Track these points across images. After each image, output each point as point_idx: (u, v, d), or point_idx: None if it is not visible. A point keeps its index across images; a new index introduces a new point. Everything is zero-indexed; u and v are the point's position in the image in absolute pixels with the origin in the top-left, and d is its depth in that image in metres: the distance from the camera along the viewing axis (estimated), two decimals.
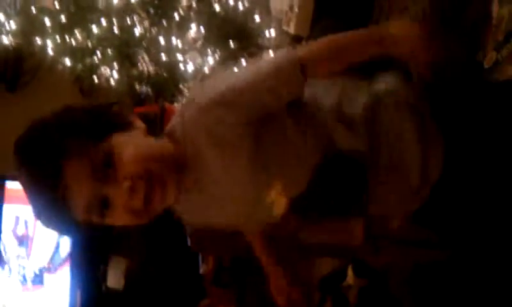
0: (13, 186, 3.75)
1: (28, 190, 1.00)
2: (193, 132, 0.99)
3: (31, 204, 1.00)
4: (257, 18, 2.89)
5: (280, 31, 3.16)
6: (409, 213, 1.13)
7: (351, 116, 1.05)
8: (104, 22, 2.67)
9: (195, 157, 1.00)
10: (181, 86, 3.00)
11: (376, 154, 1.04)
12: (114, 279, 3.39)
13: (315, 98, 1.06)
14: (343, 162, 1.03)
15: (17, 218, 3.83)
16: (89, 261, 3.64)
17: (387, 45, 1.04)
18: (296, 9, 2.93)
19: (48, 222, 1.01)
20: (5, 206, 3.72)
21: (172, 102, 2.80)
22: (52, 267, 3.85)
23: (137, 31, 2.72)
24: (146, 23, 2.69)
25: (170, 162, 0.98)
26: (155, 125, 2.45)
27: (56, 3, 2.62)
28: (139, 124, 1.01)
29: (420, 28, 1.10)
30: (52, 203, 0.95)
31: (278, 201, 1.04)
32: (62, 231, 1.08)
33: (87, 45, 2.75)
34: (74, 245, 3.71)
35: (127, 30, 2.72)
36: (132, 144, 0.96)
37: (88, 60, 2.82)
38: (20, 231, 3.85)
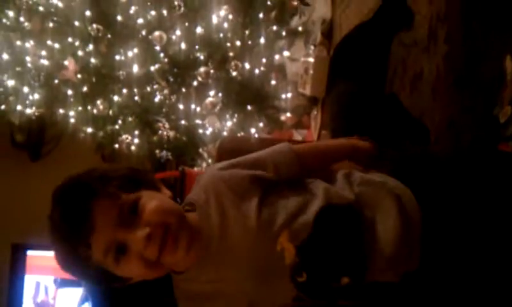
0: (34, 255, 3.78)
1: (55, 231, 1.09)
2: (210, 184, 1.15)
3: (55, 248, 1.09)
4: (273, 81, 2.95)
5: (296, 94, 3.21)
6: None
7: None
8: (124, 90, 2.73)
9: (209, 216, 1.12)
10: (200, 149, 3.04)
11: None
12: None
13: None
14: (343, 211, 1.16)
15: (38, 284, 3.83)
16: None
17: (354, 151, 1.35)
18: (311, 72, 2.99)
19: (68, 265, 1.09)
20: (26, 276, 3.74)
21: (192, 166, 2.83)
22: None
23: (157, 98, 2.78)
24: (166, 90, 2.75)
25: (187, 224, 1.09)
26: (176, 189, 2.48)
27: (78, 75, 2.69)
28: (166, 191, 1.15)
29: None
30: (76, 242, 1.05)
31: (287, 249, 1.11)
32: (80, 275, 1.13)
33: (108, 113, 2.81)
34: None
35: (147, 98, 2.78)
36: (158, 199, 1.08)
37: (109, 128, 2.87)
38: (40, 298, 3.85)
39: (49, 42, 2.68)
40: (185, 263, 1.13)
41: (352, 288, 1.15)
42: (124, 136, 2.84)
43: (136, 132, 2.86)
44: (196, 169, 2.73)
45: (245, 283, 1.15)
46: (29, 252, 3.74)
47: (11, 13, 2.70)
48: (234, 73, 2.74)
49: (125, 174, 1.11)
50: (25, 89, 2.76)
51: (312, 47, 3.20)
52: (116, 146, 2.91)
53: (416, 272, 1.17)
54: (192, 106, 2.81)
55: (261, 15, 2.81)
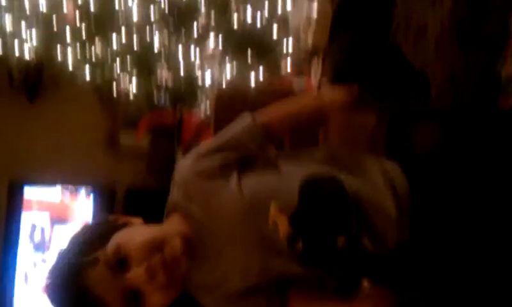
0: (31, 193, 3.82)
1: None
2: (185, 181, 1.16)
3: None
4: (275, 29, 2.90)
5: (297, 41, 3.17)
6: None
7: None
8: (123, 33, 2.69)
9: (198, 212, 1.14)
10: (199, 95, 3.02)
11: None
12: None
13: None
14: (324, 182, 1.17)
15: (34, 226, 3.88)
16: None
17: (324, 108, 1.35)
18: (314, 21, 2.94)
19: None
20: (23, 214, 3.78)
21: (190, 112, 2.82)
22: None
23: (156, 42, 2.75)
24: (165, 35, 2.71)
25: (175, 240, 1.09)
26: (173, 134, 2.49)
27: (77, 16, 2.65)
28: (135, 220, 1.14)
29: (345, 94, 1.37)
30: None
31: (279, 221, 1.13)
32: None
33: (106, 56, 2.78)
34: None
35: (146, 41, 2.74)
36: (135, 234, 1.09)
37: (107, 70, 2.85)
38: (37, 238, 3.91)
39: None
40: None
41: (349, 253, 1.16)
42: (122, 79, 2.82)
43: (134, 76, 2.84)
44: (193, 114, 2.72)
45: (244, 258, 1.16)
46: (26, 189, 3.77)
47: None
48: (235, 20, 2.69)
49: (94, 233, 1.11)
50: (23, 31, 2.71)
51: None
52: (114, 88, 2.90)
53: (409, 242, 1.19)
54: (192, 52, 2.78)
55: None
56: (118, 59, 2.83)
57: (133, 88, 2.89)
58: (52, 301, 1.10)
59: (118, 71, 2.86)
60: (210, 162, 1.16)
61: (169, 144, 3.38)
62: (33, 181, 3.77)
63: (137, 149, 3.82)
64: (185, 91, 2.98)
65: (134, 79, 2.87)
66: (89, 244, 1.08)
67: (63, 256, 1.12)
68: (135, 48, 2.73)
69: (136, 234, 1.09)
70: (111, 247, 1.06)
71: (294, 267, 1.18)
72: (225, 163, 1.16)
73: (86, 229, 1.15)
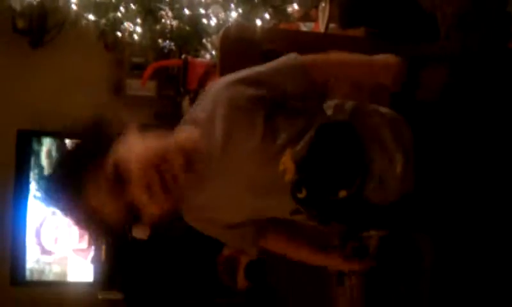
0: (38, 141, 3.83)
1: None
2: (216, 102, 1.15)
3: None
4: None
5: None
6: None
7: None
8: None
9: (212, 136, 1.14)
10: (204, 40, 2.99)
11: None
12: (140, 229, 3.45)
13: None
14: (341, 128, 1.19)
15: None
16: None
17: (375, 71, 1.28)
18: None
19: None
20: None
21: (195, 57, 2.79)
22: None
23: None
24: None
25: (176, 155, 1.09)
26: (178, 79, 2.47)
27: None
28: (131, 125, 1.15)
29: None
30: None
31: (288, 168, 1.15)
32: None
33: (110, 0, 2.74)
34: None
35: None
36: (134, 149, 1.08)
37: (111, 15, 2.81)
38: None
39: None
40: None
41: (348, 202, 1.18)
42: (126, 24, 2.78)
43: (139, 20, 2.80)
44: (199, 59, 2.70)
45: (243, 199, 1.19)
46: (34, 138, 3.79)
47: None
48: None
49: (91, 143, 1.11)
50: None
51: None
52: (119, 34, 2.87)
53: (413, 194, 1.21)
54: None
55: None
56: (121, 5, 2.80)
57: (138, 35, 2.87)
58: (49, 205, 1.14)
59: (122, 19, 2.83)
60: (245, 93, 1.14)
61: (175, 91, 3.37)
62: (40, 132, 3.78)
63: (143, 97, 3.82)
64: (190, 36, 2.95)
65: (138, 25, 2.84)
66: (86, 155, 1.09)
67: (62, 165, 1.14)
68: None
69: (134, 147, 1.09)
70: (110, 164, 1.07)
71: (286, 214, 1.22)
72: (258, 99, 1.15)
73: (83, 139, 1.15)
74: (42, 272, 3.88)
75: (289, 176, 1.15)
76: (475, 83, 1.59)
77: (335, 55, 1.29)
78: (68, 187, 1.07)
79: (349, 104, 1.25)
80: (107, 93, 3.90)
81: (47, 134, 3.80)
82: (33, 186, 3.79)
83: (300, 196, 1.16)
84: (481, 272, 1.36)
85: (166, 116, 3.66)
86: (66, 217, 1.13)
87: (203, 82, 2.20)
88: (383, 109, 1.27)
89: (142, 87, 3.41)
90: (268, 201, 1.19)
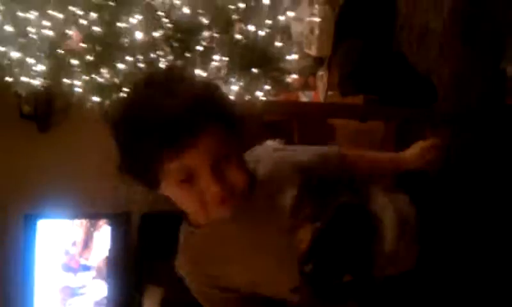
0: (45, 225, 3.83)
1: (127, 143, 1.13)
2: (276, 165, 1.25)
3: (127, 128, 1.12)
4: (278, 43, 2.92)
5: (301, 54, 3.18)
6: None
7: None
8: (129, 58, 2.72)
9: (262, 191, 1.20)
10: None
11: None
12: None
13: None
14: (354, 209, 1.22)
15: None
16: (125, 292, 3.66)
17: (406, 166, 1.41)
18: (317, 32, 2.96)
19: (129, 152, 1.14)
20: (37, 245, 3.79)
21: None
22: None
23: (162, 64, 2.77)
24: (171, 56, 2.73)
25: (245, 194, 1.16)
26: None
27: (83, 44, 2.68)
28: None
29: (434, 146, 1.42)
30: (162, 142, 1.07)
31: (304, 239, 1.18)
32: (132, 167, 1.18)
33: (114, 82, 2.80)
34: (109, 274, 3.75)
35: (151, 64, 2.77)
36: (239, 171, 1.14)
37: (115, 96, 2.87)
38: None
39: (52, 12, 2.66)
40: (214, 219, 1.19)
41: (352, 286, 1.19)
42: None
43: None
44: None
45: (252, 260, 1.20)
46: (40, 223, 3.79)
47: None
48: (238, 37, 2.71)
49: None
50: (30, 61, 2.74)
51: (317, 6, 3.16)
52: None
53: (414, 271, 1.24)
54: (197, 71, 2.80)
55: None
56: (125, 85, 2.86)
57: None
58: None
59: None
60: (302, 157, 1.27)
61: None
62: (47, 215, 3.79)
63: None
64: None
65: None
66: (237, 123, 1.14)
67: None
68: (141, 72, 2.75)
69: (241, 171, 1.15)
70: (234, 162, 1.13)
71: (285, 290, 1.21)
72: (299, 171, 1.24)
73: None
74: None
75: (303, 245, 1.17)
76: (477, 141, 1.61)
77: (371, 155, 1.45)
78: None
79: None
80: (114, 173, 3.94)
81: (54, 217, 3.82)
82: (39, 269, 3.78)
83: (306, 269, 1.17)
84: None
85: None
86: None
87: None
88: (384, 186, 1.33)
89: None
90: (275, 270, 1.20)
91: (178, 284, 1.29)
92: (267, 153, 1.29)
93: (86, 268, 3.91)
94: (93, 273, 3.90)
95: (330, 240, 1.17)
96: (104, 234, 3.95)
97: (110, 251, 3.91)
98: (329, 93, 3.04)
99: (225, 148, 1.09)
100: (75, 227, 3.95)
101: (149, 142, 1.06)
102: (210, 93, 1.11)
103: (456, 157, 1.54)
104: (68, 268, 3.88)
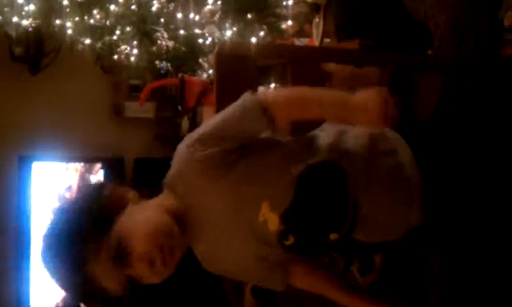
0: (40, 168, 3.84)
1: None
2: (185, 169, 1.12)
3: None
4: None
5: (297, 0, 3.13)
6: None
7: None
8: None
9: (192, 200, 1.13)
10: (200, 60, 3.00)
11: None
12: None
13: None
14: (323, 170, 1.12)
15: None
16: None
17: (350, 113, 1.10)
18: None
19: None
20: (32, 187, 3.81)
21: (192, 76, 2.81)
22: None
23: (155, 6, 2.72)
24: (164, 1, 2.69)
25: (171, 226, 1.10)
26: (176, 98, 2.48)
27: None
28: (130, 194, 1.13)
29: (380, 95, 1.08)
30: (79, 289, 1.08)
31: (270, 219, 1.12)
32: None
33: (105, 24, 2.76)
34: None
35: (144, 6, 2.72)
36: (135, 225, 1.09)
37: (107, 38, 2.83)
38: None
39: None
40: None
41: (343, 243, 1.17)
42: (123, 47, 2.80)
43: (135, 43, 2.82)
44: (196, 77, 2.71)
45: (241, 251, 1.18)
46: (35, 164, 3.80)
47: None
48: None
49: (92, 217, 1.08)
50: (21, 0, 2.69)
51: None
52: (115, 57, 2.88)
53: (421, 227, 1.18)
54: (191, 15, 2.75)
55: None
56: (117, 28, 2.81)
57: (134, 57, 2.88)
58: (47, 270, 1.10)
59: (118, 41, 2.84)
60: (210, 152, 1.10)
61: (174, 112, 3.38)
62: (41, 157, 3.79)
63: (143, 119, 3.83)
64: (187, 57, 2.97)
65: (134, 48, 2.85)
66: (89, 229, 1.07)
67: (62, 233, 1.09)
68: (133, 14, 2.70)
69: (135, 223, 1.09)
70: (113, 241, 1.07)
71: (285, 255, 1.20)
72: (224, 154, 1.10)
73: (84, 204, 1.11)
74: (47, 299, 3.86)
75: (273, 227, 1.13)
76: (470, 91, 1.59)
77: (302, 93, 1.15)
78: (66, 258, 1.06)
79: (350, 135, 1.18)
80: (106, 116, 3.92)
81: (48, 159, 3.82)
82: (35, 211, 3.80)
83: (288, 243, 1.15)
84: (491, 281, 1.35)
85: (166, 137, 3.67)
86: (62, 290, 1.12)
87: (200, 100, 2.20)
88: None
89: (140, 109, 3.42)
90: (263, 247, 1.18)
91: None
92: (184, 161, 1.14)
93: None
94: None
95: (301, 211, 1.12)
96: (98, 178, 3.96)
97: None
98: (325, 40, 3.00)
99: (112, 247, 1.07)
100: (70, 171, 3.96)
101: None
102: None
103: (448, 106, 1.52)
104: None
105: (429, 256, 1.51)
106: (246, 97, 1.13)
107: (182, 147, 1.14)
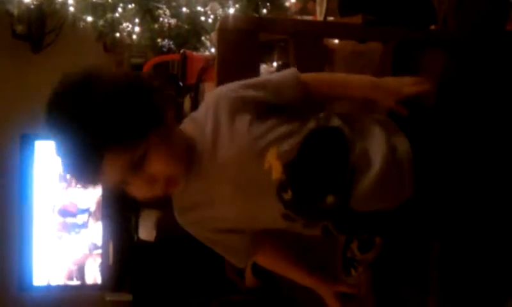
0: (43, 146, 3.84)
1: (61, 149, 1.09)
2: (212, 100, 1.20)
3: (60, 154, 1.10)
4: None
5: None
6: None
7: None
8: None
9: (206, 139, 1.17)
10: (203, 38, 2.99)
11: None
12: (146, 231, 3.46)
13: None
14: (330, 133, 1.20)
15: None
16: (121, 214, 3.72)
17: (376, 95, 1.27)
18: None
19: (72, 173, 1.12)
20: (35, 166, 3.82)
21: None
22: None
23: None
24: None
25: (183, 163, 1.15)
26: (177, 74, 2.47)
27: None
28: (170, 114, 1.14)
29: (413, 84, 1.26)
30: (85, 167, 1.06)
31: (274, 166, 1.16)
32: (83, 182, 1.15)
33: (107, 1, 2.75)
34: (105, 197, 3.80)
35: None
36: (164, 151, 1.10)
37: (109, 16, 2.82)
38: None
39: None
40: None
41: (338, 210, 1.18)
42: (125, 24, 2.79)
43: (137, 20, 2.81)
44: (198, 53, 2.70)
45: (234, 197, 1.19)
46: (38, 142, 3.80)
47: None
48: None
49: (135, 111, 1.06)
50: None
51: None
52: (117, 34, 2.87)
53: (412, 199, 1.20)
54: None
55: None
56: (119, 5, 2.80)
57: (136, 35, 2.87)
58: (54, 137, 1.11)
59: (120, 19, 2.83)
60: (238, 93, 1.18)
61: (176, 91, 3.37)
62: (44, 136, 3.79)
63: None
64: (189, 34, 2.96)
65: (136, 25, 2.84)
66: (128, 124, 1.05)
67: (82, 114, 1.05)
68: None
69: (166, 150, 1.10)
70: (142, 150, 1.07)
71: (278, 219, 1.21)
72: (250, 100, 1.18)
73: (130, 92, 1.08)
74: (50, 275, 3.89)
75: (276, 175, 1.16)
76: (474, 68, 1.58)
77: (332, 74, 1.34)
78: (87, 152, 1.04)
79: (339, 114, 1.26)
80: None
81: (51, 138, 3.82)
82: (37, 190, 3.82)
83: (286, 196, 1.17)
84: (490, 258, 1.35)
85: None
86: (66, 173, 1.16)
87: (202, 76, 2.20)
88: (376, 117, 1.28)
89: None
90: (258, 202, 1.19)
91: None
92: (214, 94, 1.23)
93: (84, 214, 3.95)
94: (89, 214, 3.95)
95: (303, 165, 1.16)
96: None
97: None
98: (329, 18, 2.98)
99: (136, 152, 1.07)
100: None
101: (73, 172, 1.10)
102: (119, 103, 1.05)
103: (451, 82, 1.52)
104: (65, 213, 3.92)
105: (428, 242, 1.51)
106: (289, 70, 1.26)
107: (220, 88, 1.23)
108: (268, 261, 1.39)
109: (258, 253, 1.34)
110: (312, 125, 1.19)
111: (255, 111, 1.18)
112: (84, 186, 1.13)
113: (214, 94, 1.23)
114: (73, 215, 3.91)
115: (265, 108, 1.19)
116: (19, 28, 3.48)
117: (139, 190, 1.12)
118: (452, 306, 1.47)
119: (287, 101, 1.22)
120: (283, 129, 1.17)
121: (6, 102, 3.68)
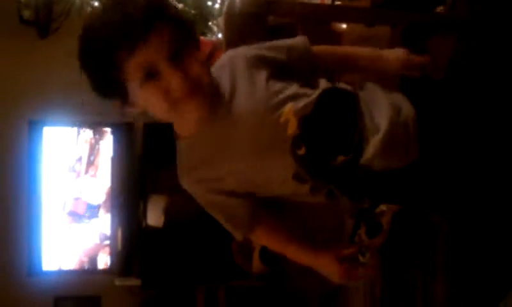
0: (51, 132, 3.87)
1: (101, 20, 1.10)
2: (229, 56, 1.25)
3: (89, 38, 1.12)
4: None
5: None
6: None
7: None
8: None
9: (220, 80, 1.21)
10: (210, 23, 2.98)
11: None
12: (154, 216, 3.48)
13: None
14: (343, 94, 1.24)
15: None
16: (130, 200, 3.74)
17: (384, 62, 1.36)
18: None
19: (92, 61, 1.13)
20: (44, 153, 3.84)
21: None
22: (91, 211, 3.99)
23: None
24: None
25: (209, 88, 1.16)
26: None
27: None
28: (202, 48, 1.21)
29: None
30: (119, 41, 1.06)
31: (290, 120, 1.18)
32: (97, 76, 1.15)
33: None
34: (114, 181, 3.82)
35: None
36: (200, 58, 1.14)
37: None
38: None
39: None
40: (192, 126, 1.20)
41: (348, 169, 1.19)
42: None
43: None
44: (205, 37, 2.69)
45: (249, 149, 1.20)
46: (46, 128, 3.82)
47: None
48: None
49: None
50: None
51: None
52: None
53: (418, 162, 1.22)
54: None
55: None
56: None
57: None
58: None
59: None
60: (253, 51, 1.24)
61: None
62: (52, 122, 3.81)
63: None
64: (196, 20, 2.95)
65: None
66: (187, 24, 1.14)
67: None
68: None
69: (200, 64, 1.13)
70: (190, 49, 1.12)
71: (288, 180, 1.22)
72: (264, 58, 1.23)
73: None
74: (59, 261, 3.93)
75: (291, 129, 1.18)
76: (484, 50, 1.57)
77: (344, 49, 1.41)
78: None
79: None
80: None
81: (59, 124, 3.84)
82: (46, 174, 3.84)
83: (299, 152, 1.18)
84: (499, 241, 1.35)
85: None
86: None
87: (209, 60, 2.19)
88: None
89: None
90: (272, 158, 1.20)
91: (182, 192, 1.30)
92: (234, 51, 1.29)
93: (93, 210, 3.97)
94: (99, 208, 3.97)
95: (318, 122, 1.19)
96: (108, 148, 3.98)
97: (113, 159, 3.96)
98: (337, 2, 2.96)
99: (178, 42, 1.09)
100: (81, 142, 3.98)
101: (102, 48, 1.08)
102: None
103: (461, 65, 1.51)
104: (74, 214, 3.95)
105: (435, 219, 1.51)
106: (300, 37, 1.31)
107: (233, 49, 1.29)
108: (268, 235, 1.36)
109: (259, 226, 1.32)
110: (326, 85, 1.23)
111: (270, 70, 1.22)
112: (107, 86, 1.14)
113: (229, 54, 1.27)
114: (82, 216, 3.95)
115: (279, 69, 1.23)
116: (26, 13, 3.47)
117: (163, 92, 1.11)
118: (459, 290, 1.47)
119: (298, 64, 1.27)
120: (298, 89, 1.21)
121: (14, 87, 3.69)
